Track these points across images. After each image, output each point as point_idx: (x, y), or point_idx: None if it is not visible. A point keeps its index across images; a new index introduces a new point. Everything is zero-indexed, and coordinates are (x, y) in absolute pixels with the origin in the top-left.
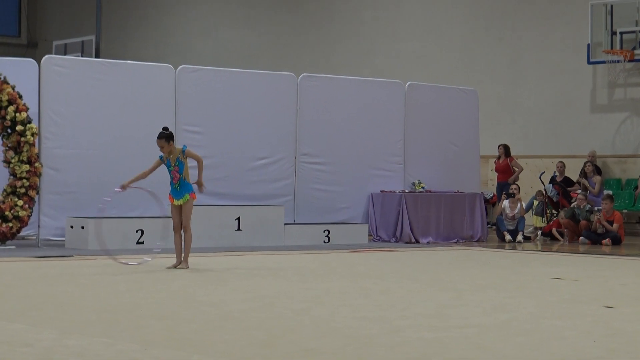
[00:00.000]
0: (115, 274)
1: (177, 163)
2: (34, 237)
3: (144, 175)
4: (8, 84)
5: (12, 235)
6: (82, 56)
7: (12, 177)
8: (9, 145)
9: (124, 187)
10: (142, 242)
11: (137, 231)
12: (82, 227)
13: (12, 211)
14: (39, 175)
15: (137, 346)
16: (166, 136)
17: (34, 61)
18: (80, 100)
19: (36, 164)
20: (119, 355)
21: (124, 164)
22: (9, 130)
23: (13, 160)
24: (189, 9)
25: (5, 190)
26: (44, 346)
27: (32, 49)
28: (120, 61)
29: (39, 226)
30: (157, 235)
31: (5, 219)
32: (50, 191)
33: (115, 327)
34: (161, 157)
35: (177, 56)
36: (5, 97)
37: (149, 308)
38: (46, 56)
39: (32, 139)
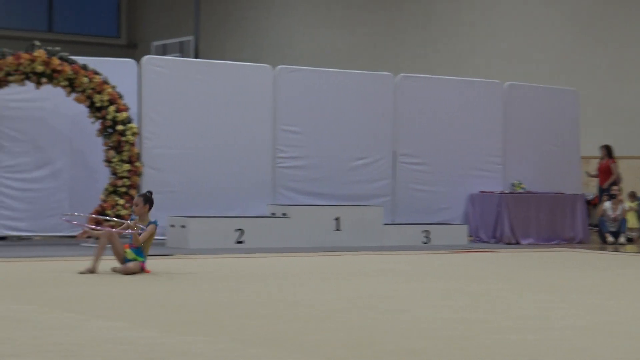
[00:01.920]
0: (215, 273)
1: (141, 229)
2: None
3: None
4: (108, 84)
5: None
6: (181, 57)
7: (113, 176)
8: (110, 144)
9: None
10: (242, 242)
11: (236, 230)
12: (183, 226)
13: (113, 210)
14: (139, 175)
15: (237, 345)
16: (146, 198)
17: (134, 61)
18: (179, 100)
19: (136, 163)
20: (219, 354)
21: (222, 163)
22: (109, 130)
23: (114, 160)
24: (287, 9)
25: (106, 189)
26: (145, 344)
27: (132, 49)
28: (219, 61)
29: None
30: (257, 234)
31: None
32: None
33: (215, 326)
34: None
35: (274, 57)
36: (106, 97)
37: (248, 307)
38: (146, 56)
39: (132, 138)
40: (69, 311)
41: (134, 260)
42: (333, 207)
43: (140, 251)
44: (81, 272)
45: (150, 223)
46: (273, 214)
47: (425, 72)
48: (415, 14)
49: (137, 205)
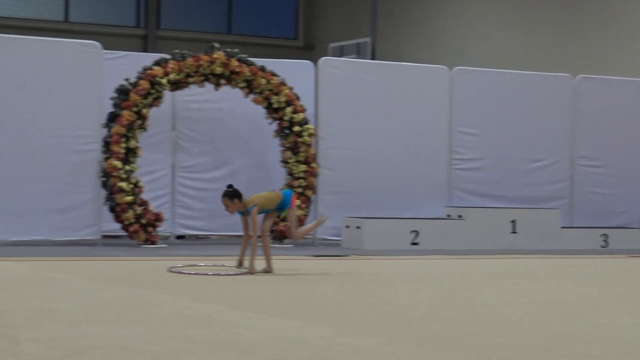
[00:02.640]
0: (389, 274)
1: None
2: (311, 236)
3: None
4: (286, 85)
5: (290, 234)
6: (357, 58)
7: (289, 176)
8: (286, 145)
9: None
10: (417, 244)
11: (411, 232)
12: (358, 227)
13: None
14: (315, 176)
15: (411, 347)
16: (229, 194)
17: (311, 63)
18: (355, 102)
19: (313, 164)
20: (393, 355)
21: (398, 165)
22: (286, 131)
23: (290, 161)
24: (464, 10)
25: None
26: (319, 344)
27: (309, 51)
28: (395, 63)
29: None
30: (432, 236)
31: (283, 219)
32: (326, 191)
33: (389, 327)
34: (241, 214)
35: (451, 57)
36: (283, 99)
37: (424, 309)
38: (323, 58)
39: (309, 139)
40: (245, 310)
41: (286, 214)
42: (509, 210)
43: (281, 207)
44: (257, 272)
45: (248, 211)
46: (448, 215)
47: (604, 73)
48: (595, 14)
49: (227, 207)
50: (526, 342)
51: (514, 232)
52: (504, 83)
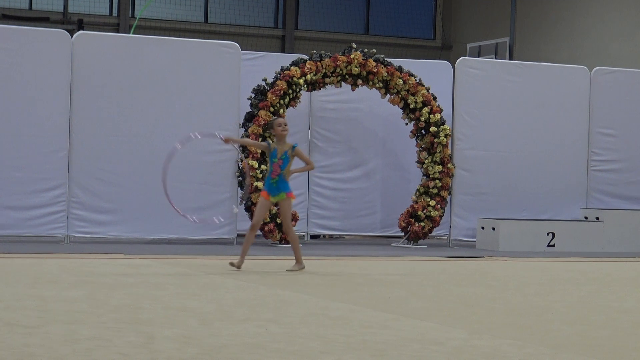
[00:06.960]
0: (524, 275)
1: (284, 157)
2: (445, 237)
3: (248, 144)
4: (423, 85)
5: (424, 235)
6: (495, 58)
7: (425, 177)
8: (422, 146)
9: (226, 140)
10: (553, 246)
11: (547, 234)
12: (493, 229)
13: (424, 211)
14: (451, 176)
15: (547, 350)
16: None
17: (448, 63)
18: (492, 102)
19: (448, 165)
20: (528, 358)
21: (535, 166)
22: (423, 132)
23: (426, 161)
24: (605, 11)
25: (418, 190)
26: (454, 345)
27: (447, 51)
28: (533, 63)
29: (450, 226)
30: (569, 238)
31: (418, 219)
32: (461, 192)
33: (524, 329)
34: (269, 144)
35: (591, 58)
36: (420, 99)
37: (559, 312)
38: (460, 58)
39: (445, 140)
40: (380, 310)
41: (282, 199)
42: None
43: (283, 180)
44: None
45: (293, 146)
46: (586, 217)
47: None
48: None
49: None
50: None
51: None
52: None
